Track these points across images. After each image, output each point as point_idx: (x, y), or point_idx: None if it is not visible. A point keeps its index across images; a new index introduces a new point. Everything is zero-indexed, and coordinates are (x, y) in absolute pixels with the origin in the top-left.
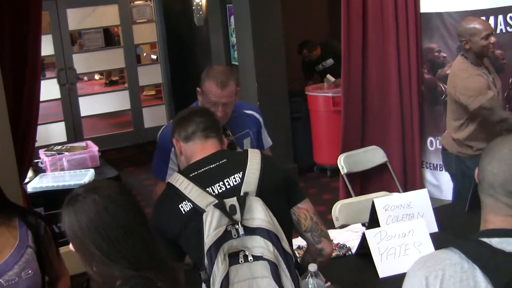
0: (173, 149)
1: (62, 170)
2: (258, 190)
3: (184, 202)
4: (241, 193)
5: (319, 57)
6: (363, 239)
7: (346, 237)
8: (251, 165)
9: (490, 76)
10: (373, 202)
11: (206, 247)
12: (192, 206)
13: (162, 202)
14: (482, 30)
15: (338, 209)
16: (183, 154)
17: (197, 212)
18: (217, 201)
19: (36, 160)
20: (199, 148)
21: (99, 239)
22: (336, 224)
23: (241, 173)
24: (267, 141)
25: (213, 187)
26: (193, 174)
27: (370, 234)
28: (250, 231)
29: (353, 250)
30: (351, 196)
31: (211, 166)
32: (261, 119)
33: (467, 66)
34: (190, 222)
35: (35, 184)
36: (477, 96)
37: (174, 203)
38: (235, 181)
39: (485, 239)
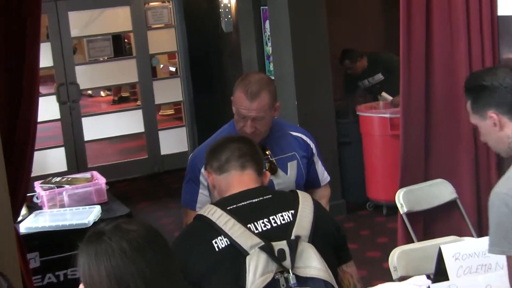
0: (202, 170)
1: (62, 206)
2: (311, 236)
3: (219, 238)
4: (292, 236)
5: (365, 71)
6: None
7: None
8: (303, 206)
9: None
10: (440, 249)
11: None
12: (229, 243)
13: (188, 236)
14: None
15: (397, 256)
16: (217, 187)
17: (235, 251)
18: (263, 243)
19: (30, 194)
20: (235, 180)
21: None
22: (394, 275)
23: (292, 212)
24: (324, 176)
25: (256, 223)
26: (231, 207)
27: None
28: (303, 281)
29: None
30: (412, 241)
31: (253, 201)
32: (312, 145)
33: None
34: (224, 262)
35: (29, 223)
36: None
37: (207, 237)
38: (284, 220)
39: None
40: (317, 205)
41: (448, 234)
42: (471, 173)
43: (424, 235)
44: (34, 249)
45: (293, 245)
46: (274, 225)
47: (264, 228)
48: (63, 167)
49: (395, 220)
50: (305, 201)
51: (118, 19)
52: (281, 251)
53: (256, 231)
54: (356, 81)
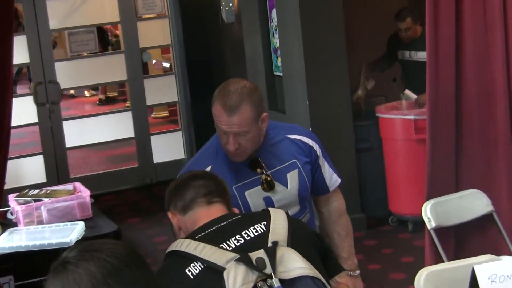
0: None
1: (40, 223)
2: (290, 241)
3: (192, 264)
4: (269, 244)
5: (413, 42)
6: None
7: None
8: (275, 216)
9: None
10: (473, 270)
11: None
12: (203, 266)
13: (160, 275)
14: None
15: (424, 278)
16: (183, 228)
17: (212, 272)
18: (239, 256)
19: (3, 209)
20: (203, 215)
21: None
22: None
23: (264, 223)
24: (333, 180)
25: (228, 242)
26: (200, 235)
27: None
28: (289, 284)
29: None
30: (442, 260)
31: (221, 224)
32: (316, 146)
33: None
34: (202, 286)
35: (2, 243)
36: None
37: (179, 269)
38: (257, 231)
39: None
40: (291, 218)
41: (483, 252)
42: (509, 182)
43: (455, 254)
44: (8, 272)
45: (272, 251)
46: (248, 238)
47: (238, 244)
48: (42, 178)
49: (422, 237)
50: (276, 212)
51: (104, 9)
52: (260, 259)
53: (230, 248)
54: (397, 49)
